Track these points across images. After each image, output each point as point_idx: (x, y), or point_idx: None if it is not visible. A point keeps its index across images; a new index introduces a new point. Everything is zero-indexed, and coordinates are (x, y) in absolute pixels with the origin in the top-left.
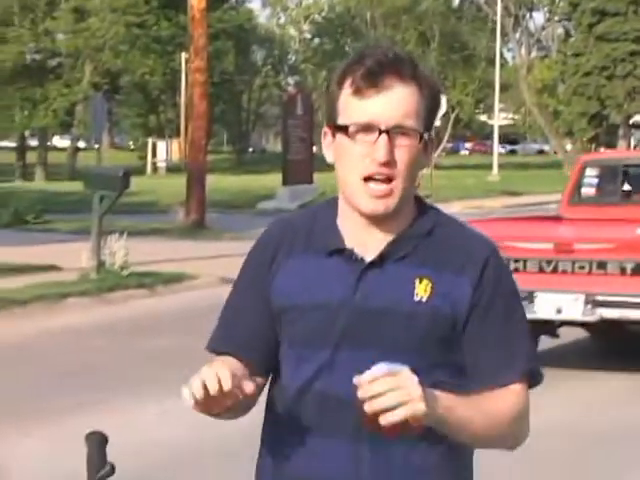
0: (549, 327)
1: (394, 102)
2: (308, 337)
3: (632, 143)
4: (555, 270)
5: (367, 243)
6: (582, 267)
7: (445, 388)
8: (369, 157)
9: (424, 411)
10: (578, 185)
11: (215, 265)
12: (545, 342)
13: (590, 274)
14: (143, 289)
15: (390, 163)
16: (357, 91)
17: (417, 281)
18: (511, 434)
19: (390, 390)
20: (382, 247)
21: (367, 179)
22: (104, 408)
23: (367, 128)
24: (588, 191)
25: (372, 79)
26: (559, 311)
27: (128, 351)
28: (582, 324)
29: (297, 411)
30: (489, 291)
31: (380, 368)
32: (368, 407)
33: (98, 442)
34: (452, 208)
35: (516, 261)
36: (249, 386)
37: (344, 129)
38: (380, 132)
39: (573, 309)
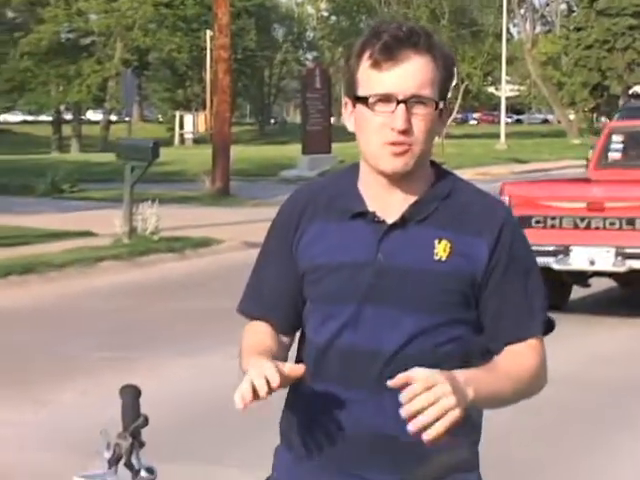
0: (581, 277)
1: (410, 73)
2: (333, 295)
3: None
4: (588, 226)
5: (388, 206)
6: (612, 223)
7: (469, 355)
8: (388, 126)
9: (460, 416)
10: (605, 150)
11: (239, 230)
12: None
13: (620, 230)
14: (173, 253)
15: (408, 131)
16: (375, 64)
17: (437, 242)
18: (533, 386)
19: (428, 405)
20: (403, 209)
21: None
22: (137, 364)
23: (386, 99)
24: (614, 155)
25: (389, 52)
26: (592, 263)
27: (159, 311)
28: (612, 274)
29: (322, 365)
30: (505, 253)
31: (417, 375)
32: (412, 427)
33: (132, 394)
34: (464, 175)
35: (553, 219)
36: (295, 370)
37: (364, 100)
38: (398, 102)
39: (605, 261)
